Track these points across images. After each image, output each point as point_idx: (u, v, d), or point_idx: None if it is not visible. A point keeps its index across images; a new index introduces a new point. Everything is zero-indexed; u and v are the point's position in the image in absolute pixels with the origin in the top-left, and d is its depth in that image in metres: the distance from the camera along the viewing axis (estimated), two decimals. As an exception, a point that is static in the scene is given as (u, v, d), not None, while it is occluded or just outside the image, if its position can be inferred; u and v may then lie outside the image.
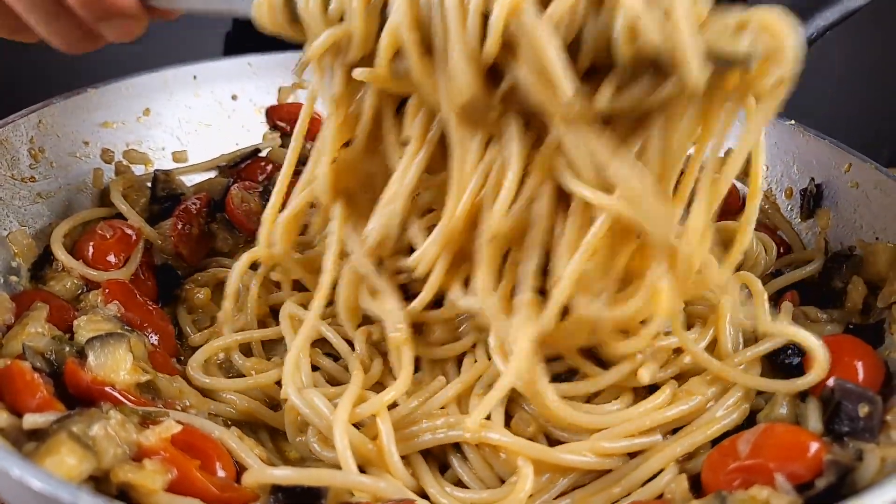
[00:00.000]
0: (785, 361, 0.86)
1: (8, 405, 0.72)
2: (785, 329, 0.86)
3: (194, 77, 1.24)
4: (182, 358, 0.96)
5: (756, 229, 1.06)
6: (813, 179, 1.08)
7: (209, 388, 0.90)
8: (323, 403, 0.82)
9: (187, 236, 1.09)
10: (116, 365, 0.79)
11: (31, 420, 0.69)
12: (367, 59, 0.79)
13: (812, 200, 1.07)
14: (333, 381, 0.91)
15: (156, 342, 0.93)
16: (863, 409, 0.74)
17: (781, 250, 1.08)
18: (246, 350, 0.97)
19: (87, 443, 0.67)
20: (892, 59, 2.86)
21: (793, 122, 1.11)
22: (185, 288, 1.05)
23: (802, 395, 0.82)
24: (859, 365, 0.81)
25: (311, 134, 1.30)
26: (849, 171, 1.03)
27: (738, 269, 1.01)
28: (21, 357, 0.79)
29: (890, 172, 0.98)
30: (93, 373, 0.78)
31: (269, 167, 1.24)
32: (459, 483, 0.82)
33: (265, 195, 1.17)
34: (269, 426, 0.89)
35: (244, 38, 1.71)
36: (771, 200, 1.14)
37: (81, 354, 0.80)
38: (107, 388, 0.77)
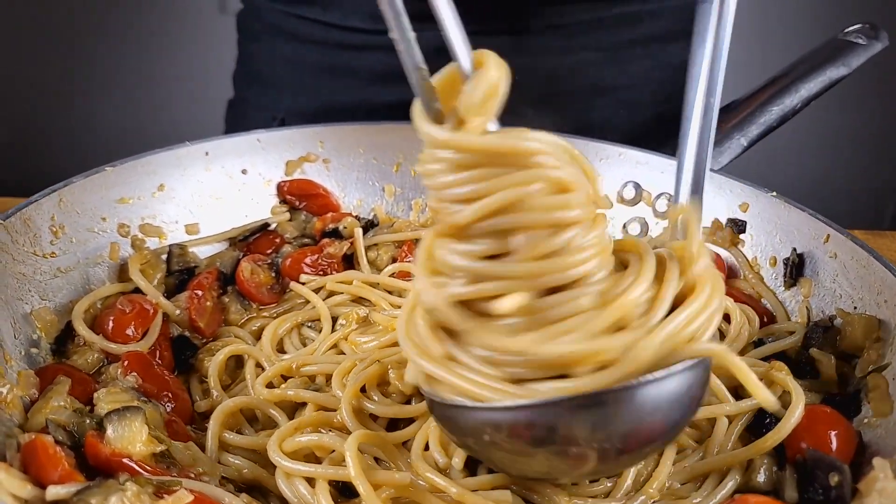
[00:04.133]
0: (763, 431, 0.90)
1: (32, 477, 0.75)
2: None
3: (206, 153, 1.29)
4: (195, 425, 0.99)
5: (740, 300, 1.10)
6: (795, 249, 1.10)
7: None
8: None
9: (202, 309, 1.13)
10: (133, 437, 0.82)
11: (54, 492, 0.72)
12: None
13: (794, 269, 1.09)
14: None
15: (171, 410, 0.96)
16: (833, 479, 0.77)
17: (765, 319, 1.10)
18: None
19: (104, 515, 0.70)
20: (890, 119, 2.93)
21: (774, 193, 1.15)
22: (198, 358, 1.09)
23: (781, 464, 0.85)
24: (833, 434, 0.84)
25: (316, 207, 1.36)
26: (827, 242, 1.06)
27: (722, 338, 1.06)
28: (44, 430, 0.83)
29: (864, 243, 1.01)
30: (111, 445, 0.81)
31: (278, 240, 1.29)
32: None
33: (273, 267, 1.23)
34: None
35: (245, 104, 1.78)
36: (755, 270, 1.16)
37: (101, 426, 0.83)
38: (124, 460, 0.80)
